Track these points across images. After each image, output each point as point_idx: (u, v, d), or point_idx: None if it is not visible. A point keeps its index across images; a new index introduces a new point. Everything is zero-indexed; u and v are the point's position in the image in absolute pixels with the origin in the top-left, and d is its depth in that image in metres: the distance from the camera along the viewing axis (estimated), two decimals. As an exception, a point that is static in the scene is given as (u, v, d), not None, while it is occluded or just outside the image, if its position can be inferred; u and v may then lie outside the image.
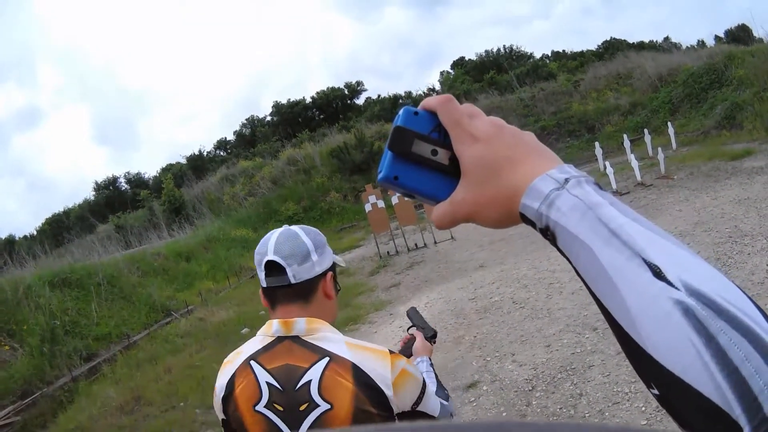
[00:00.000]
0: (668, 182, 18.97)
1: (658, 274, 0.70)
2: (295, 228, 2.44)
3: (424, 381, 2.36)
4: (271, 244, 2.35)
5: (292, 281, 2.31)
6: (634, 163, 19.95)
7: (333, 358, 2.21)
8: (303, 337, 2.27)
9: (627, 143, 23.79)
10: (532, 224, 0.86)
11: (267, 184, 38.74)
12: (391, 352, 2.30)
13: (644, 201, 17.16)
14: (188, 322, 17.09)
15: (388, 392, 2.18)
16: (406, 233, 20.88)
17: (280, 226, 2.55)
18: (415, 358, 3.04)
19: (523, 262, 13.65)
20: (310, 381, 2.19)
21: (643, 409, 6.38)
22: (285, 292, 2.34)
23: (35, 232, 60.58)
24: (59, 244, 39.52)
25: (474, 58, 69.66)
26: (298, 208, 33.91)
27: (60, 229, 55.59)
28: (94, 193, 67.61)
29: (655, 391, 0.71)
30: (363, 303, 14.39)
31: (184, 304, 19.67)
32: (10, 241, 48.86)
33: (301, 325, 2.27)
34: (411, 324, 3.40)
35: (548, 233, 0.83)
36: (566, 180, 0.82)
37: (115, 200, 61.04)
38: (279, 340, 2.30)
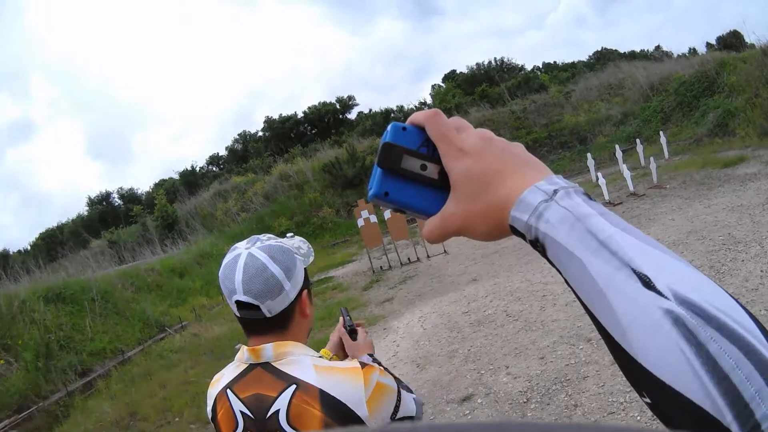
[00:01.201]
0: (661, 191, 18.93)
1: (647, 283, 0.71)
2: (259, 254, 2.23)
3: (398, 386, 2.35)
4: (237, 281, 2.18)
5: (268, 315, 2.23)
6: (626, 174, 19.83)
7: (299, 385, 2.16)
8: (273, 363, 2.23)
9: (619, 153, 23.57)
10: (522, 236, 0.86)
11: (259, 199, 38.60)
12: (363, 365, 2.26)
13: (637, 211, 17.11)
14: (182, 338, 17.09)
15: (362, 413, 2.13)
16: (399, 248, 20.77)
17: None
18: (358, 355, 2.89)
19: (515, 275, 13.60)
20: (278, 410, 2.16)
21: (639, 418, 6.39)
22: (260, 324, 2.28)
23: (29, 247, 60.44)
24: (53, 259, 39.21)
25: (465, 71, 69.51)
26: (291, 224, 33.67)
27: (54, 244, 55.23)
28: (87, 208, 67.53)
29: (647, 399, 0.71)
30: (356, 318, 14.13)
31: (178, 320, 19.68)
32: (4, 255, 48.70)
33: (269, 351, 2.23)
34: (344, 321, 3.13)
35: (538, 245, 0.84)
36: (555, 191, 0.83)
37: (108, 216, 60.88)
38: (250, 367, 2.27)
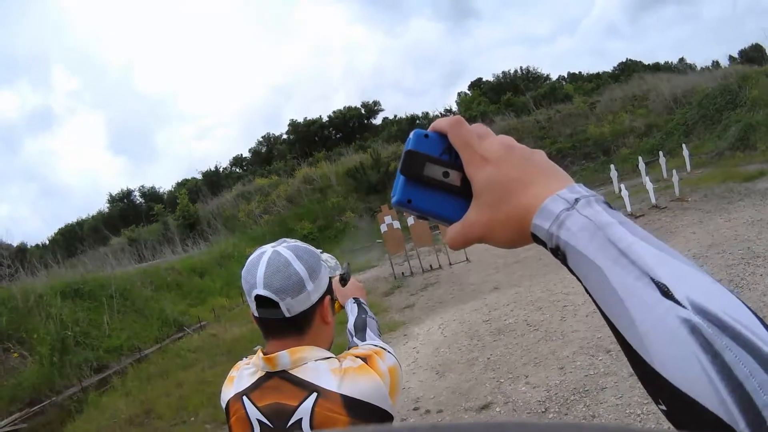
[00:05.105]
0: (682, 204, 18.94)
1: (665, 293, 0.71)
2: (285, 251, 2.21)
3: (389, 351, 2.35)
4: (259, 275, 2.15)
5: (287, 315, 2.17)
6: (649, 186, 19.85)
7: (321, 393, 2.10)
8: (290, 371, 2.16)
9: (642, 165, 23.76)
10: (543, 244, 0.86)
11: (282, 202, 38.84)
12: (364, 359, 2.23)
13: (658, 224, 17.10)
14: (200, 338, 17.16)
15: (388, 405, 2.14)
16: (421, 254, 20.81)
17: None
18: (344, 304, 3.01)
19: (537, 284, 13.59)
20: (300, 419, 2.10)
21: (657, 431, 6.35)
22: (278, 324, 2.22)
23: (47, 241, 60.74)
24: (72, 255, 39.39)
25: (491, 78, 69.69)
26: (314, 227, 34.03)
27: (73, 239, 55.50)
28: (108, 205, 67.79)
29: (663, 407, 0.72)
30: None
31: (196, 320, 19.76)
32: (22, 249, 48.60)
33: (285, 359, 2.16)
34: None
35: (559, 253, 0.84)
36: (576, 200, 0.83)
37: (129, 213, 61.03)
38: (267, 376, 2.20)
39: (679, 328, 0.68)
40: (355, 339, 2.62)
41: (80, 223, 63.67)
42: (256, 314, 2.24)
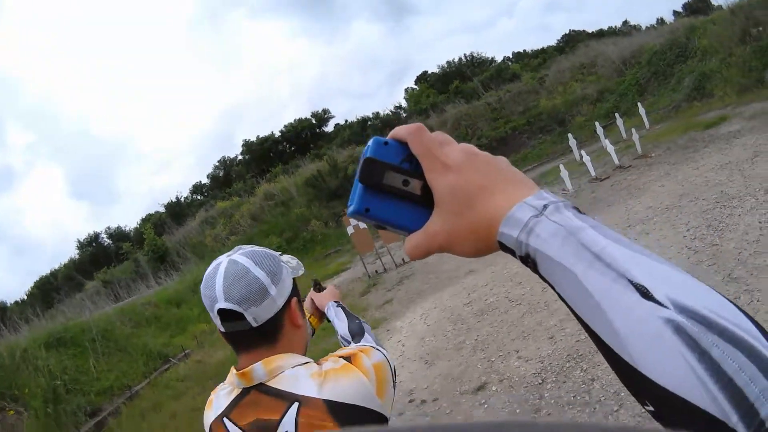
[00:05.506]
0: (647, 161, 19.06)
1: (645, 294, 0.71)
2: (241, 259, 2.09)
3: (380, 350, 2.24)
4: (218, 288, 2.03)
5: (254, 324, 2.05)
6: (610, 148, 19.96)
7: (302, 401, 1.98)
8: (267, 383, 2.05)
9: (600, 130, 23.76)
10: (512, 252, 0.86)
11: (247, 221, 38.85)
12: (348, 358, 2.12)
13: (625, 183, 17.22)
14: (187, 366, 17.12)
15: (376, 404, 2.02)
16: (392, 250, 20.89)
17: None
18: (325, 309, 2.98)
19: (512, 260, 13.15)
20: None
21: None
22: (247, 336, 2.10)
23: (26, 297, 60.46)
24: (50, 306, 39.17)
25: (437, 70, 69.95)
26: (281, 241, 33.88)
27: (49, 290, 55.15)
28: (78, 251, 67.77)
29: (650, 408, 0.72)
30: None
31: (180, 349, 19.62)
32: (2, 307, 48.63)
33: (259, 371, 2.05)
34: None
35: (529, 261, 0.83)
36: (545, 206, 0.82)
37: (99, 256, 60.92)
38: (244, 392, 2.09)
39: (662, 328, 0.68)
40: (352, 344, 2.50)
41: (54, 274, 63.43)
42: (222, 329, 2.13)
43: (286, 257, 2.39)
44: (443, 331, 11.12)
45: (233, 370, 2.13)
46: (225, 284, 2.02)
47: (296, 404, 1.98)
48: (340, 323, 2.76)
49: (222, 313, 2.04)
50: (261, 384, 2.05)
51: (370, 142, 0.96)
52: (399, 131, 0.96)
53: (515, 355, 8.71)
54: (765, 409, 0.61)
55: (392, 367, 2.21)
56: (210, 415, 2.20)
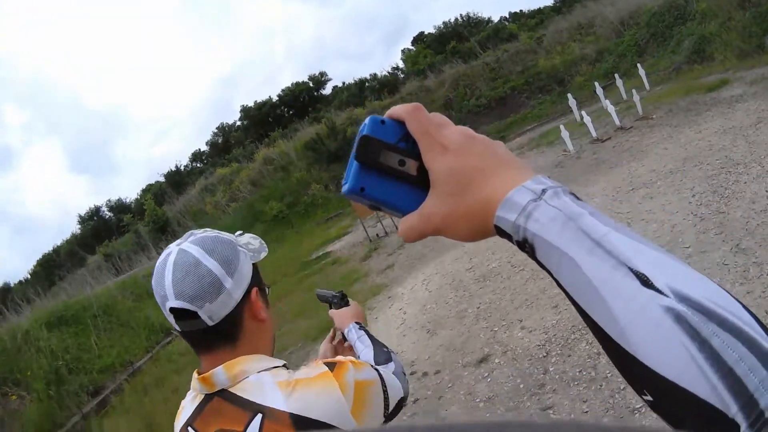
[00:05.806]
0: (648, 122, 18.84)
1: (645, 282, 0.70)
2: (191, 248, 1.87)
3: (378, 373, 2.02)
4: (168, 284, 1.82)
5: (210, 323, 1.84)
6: (611, 108, 19.84)
7: (266, 413, 1.78)
8: (230, 389, 1.85)
9: (599, 90, 23.76)
10: (508, 237, 0.84)
11: (247, 187, 39.09)
12: (331, 365, 1.91)
13: (627, 144, 17.08)
14: (189, 338, 17.11)
15: (350, 426, 1.82)
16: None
17: (247, 231, 2.15)
18: (344, 330, 2.70)
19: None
20: None
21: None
22: (205, 336, 1.89)
23: (29, 276, 60.64)
24: (53, 284, 39.40)
25: (433, 31, 69.88)
26: (282, 206, 34.12)
27: (52, 267, 55.28)
28: (79, 226, 68.05)
29: (648, 398, 0.71)
30: (359, 290, 14.34)
31: (182, 320, 19.64)
32: (5, 288, 48.59)
33: (221, 376, 1.84)
34: (327, 305, 2.97)
35: (526, 245, 0.81)
36: (543, 191, 0.81)
37: (100, 230, 61.31)
38: (207, 398, 1.88)
39: (662, 317, 0.67)
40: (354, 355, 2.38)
41: (56, 250, 63.90)
42: (177, 328, 1.92)
43: (245, 238, 2.17)
44: (445, 298, 11.06)
45: (195, 374, 1.93)
46: (174, 279, 1.82)
47: (260, 416, 1.79)
48: (365, 348, 2.48)
49: (174, 312, 1.83)
50: (224, 390, 1.87)
51: (366, 121, 0.95)
52: (396, 110, 0.95)
53: (519, 325, 8.60)
54: (764, 400, 0.61)
55: (386, 392, 2.01)
56: (179, 422, 2.00)
